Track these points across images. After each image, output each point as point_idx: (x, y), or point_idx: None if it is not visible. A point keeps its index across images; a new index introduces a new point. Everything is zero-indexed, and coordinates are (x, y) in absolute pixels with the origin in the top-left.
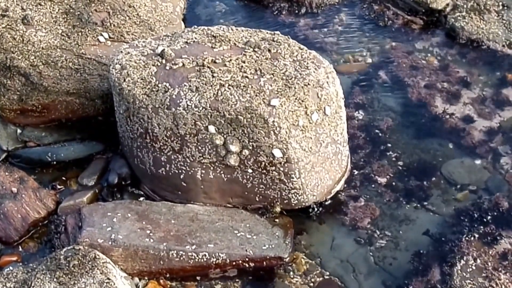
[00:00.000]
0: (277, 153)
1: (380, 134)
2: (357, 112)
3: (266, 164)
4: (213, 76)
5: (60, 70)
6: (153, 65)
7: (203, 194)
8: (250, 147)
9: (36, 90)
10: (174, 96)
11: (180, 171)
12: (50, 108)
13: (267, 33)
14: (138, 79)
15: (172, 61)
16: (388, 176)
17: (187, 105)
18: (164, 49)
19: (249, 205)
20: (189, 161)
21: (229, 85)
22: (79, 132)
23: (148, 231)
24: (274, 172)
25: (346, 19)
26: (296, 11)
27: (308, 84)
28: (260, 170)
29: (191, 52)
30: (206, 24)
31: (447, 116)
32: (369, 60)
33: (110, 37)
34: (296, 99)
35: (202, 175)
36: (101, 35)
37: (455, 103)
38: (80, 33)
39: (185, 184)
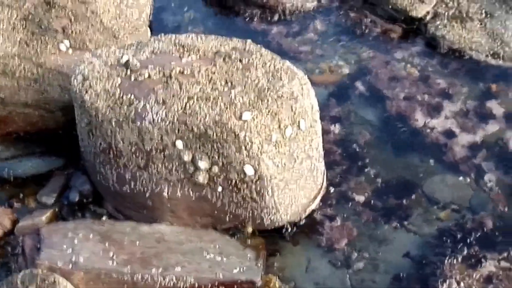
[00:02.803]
0: (249, 170)
1: (357, 149)
2: (333, 125)
3: (237, 181)
4: (180, 88)
5: (18, 80)
6: (117, 76)
7: (170, 213)
8: (220, 164)
9: None
10: (139, 109)
11: (145, 188)
12: (7, 121)
13: (238, 41)
14: (101, 91)
15: (138, 72)
16: (366, 194)
17: (153, 118)
18: (129, 59)
19: (219, 225)
20: (155, 178)
21: (198, 97)
22: (38, 146)
23: (111, 253)
24: (245, 190)
25: (322, 27)
26: (269, 18)
27: (282, 96)
28: (230, 188)
29: (158, 62)
30: (174, 31)
31: (428, 130)
32: (346, 71)
33: (71, 45)
34: (269, 112)
35: (169, 193)
36: (62, 43)
37: (437, 116)
38: (39, 41)
39: (150, 203)
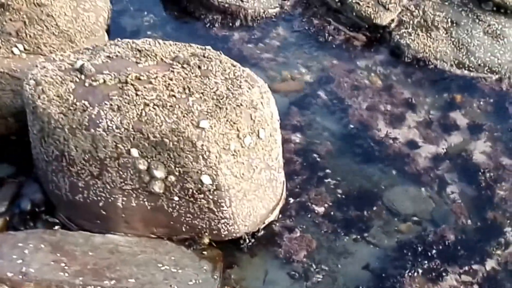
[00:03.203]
0: (206, 179)
1: (318, 159)
2: (294, 135)
3: (194, 191)
4: (137, 95)
5: None
6: (71, 81)
7: (124, 224)
8: (177, 173)
9: None
10: (93, 116)
11: (99, 198)
12: None
13: (197, 47)
14: (54, 97)
15: (92, 77)
16: (326, 205)
17: (108, 126)
18: (83, 64)
19: (175, 235)
20: (109, 187)
21: (154, 104)
22: None
23: (63, 264)
24: (202, 200)
25: (284, 34)
26: (230, 24)
27: (241, 104)
28: (187, 198)
29: (114, 68)
30: (132, 36)
31: (390, 141)
32: (308, 79)
33: (25, 49)
34: (227, 121)
35: (124, 202)
36: (16, 46)
37: (399, 126)
38: None
39: (104, 213)
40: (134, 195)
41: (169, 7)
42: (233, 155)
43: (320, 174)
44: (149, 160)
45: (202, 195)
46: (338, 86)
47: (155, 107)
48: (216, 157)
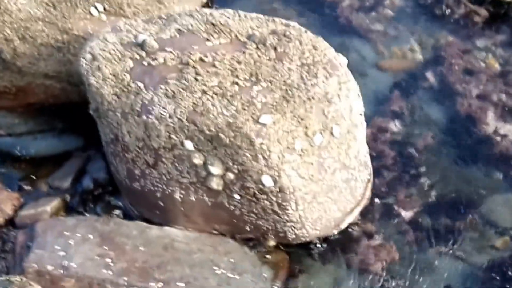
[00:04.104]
0: (267, 180)
1: (414, 154)
2: (391, 122)
3: (255, 191)
4: (196, 80)
5: (39, 47)
6: (130, 58)
7: (183, 217)
8: (235, 171)
9: (8, 70)
10: (146, 101)
11: (156, 188)
12: (26, 91)
13: (281, 23)
14: (109, 75)
15: (153, 55)
16: (414, 209)
17: (160, 114)
18: (145, 39)
19: (238, 234)
20: (165, 179)
21: (213, 92)
22: (61, 121)
23: (109, 260)
24: (265, 201)
25: (399, 3)
26: None
27: (312, 97)
28: (248, 197)
29: (179, 45)
30: None
31: (499, 138)
32: (419, 57)
33: (105, 10)
34: (294, 116)
35: (182, 196)
36: (95, 6)
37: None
38: (69, 3)
39: (162, 204)
40: (192, 189)
41: None
42: (300, 155)
43: (413, 171)
44: (205, 155)
45: (264, 196)
46: (450, 68)
47: (214, 96)
48: (279, 157)
